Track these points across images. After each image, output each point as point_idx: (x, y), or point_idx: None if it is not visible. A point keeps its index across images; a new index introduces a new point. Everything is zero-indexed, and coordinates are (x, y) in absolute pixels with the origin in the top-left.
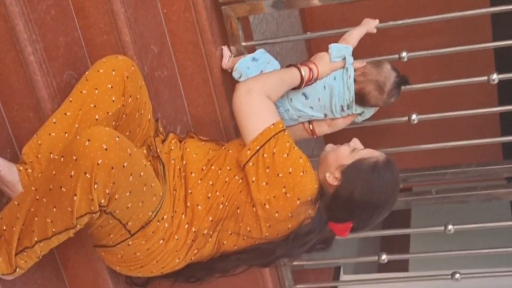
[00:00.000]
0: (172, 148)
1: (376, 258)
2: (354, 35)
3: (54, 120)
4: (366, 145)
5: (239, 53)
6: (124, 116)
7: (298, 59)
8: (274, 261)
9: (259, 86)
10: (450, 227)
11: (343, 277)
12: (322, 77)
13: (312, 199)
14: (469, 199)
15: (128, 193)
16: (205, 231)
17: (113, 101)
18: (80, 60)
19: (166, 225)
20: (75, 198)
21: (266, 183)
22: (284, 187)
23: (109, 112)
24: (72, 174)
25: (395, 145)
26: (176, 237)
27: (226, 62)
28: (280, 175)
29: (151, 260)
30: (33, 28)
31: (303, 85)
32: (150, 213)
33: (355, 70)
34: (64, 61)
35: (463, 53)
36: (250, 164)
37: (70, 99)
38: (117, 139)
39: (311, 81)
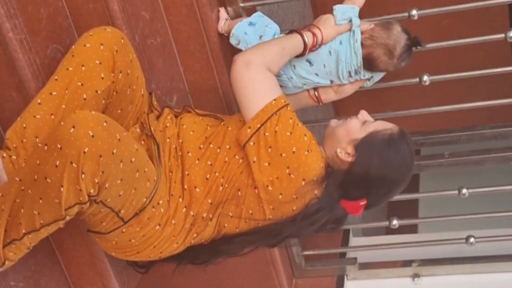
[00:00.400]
0: (168, 125)
1: (387, 223)
2: None
3: (39, 101)
4: (374, 108)
5: (237, 15)
6: (114, 93)
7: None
8: (282, 241)
9: (259, 58)
10: (464, 191)
11: (352, 240)
12: (327, 42)
13: (318, 179)
14: (485, 162)
15: (119, 181)
16: (204, 214)
17: (102, 78)
18: (66, 32)
19: (162, 210)
20: (62, 189)
21: (269, 164)
22: (288, 167)
23: (98, 90)
24: (57, 164)
25: (406, 107)
26: (173, 222)
27: (222, 26)
28: (283, 154)
29: (148, 246)
30: (10, 1)
31: (307, 52)
32: (144, 199)
33: (362, 33)
34: (47, 34)
35: (477, 9)
36: (251, 143)
37: (56, 77)
38: (104, 124)
39: (315, 47)
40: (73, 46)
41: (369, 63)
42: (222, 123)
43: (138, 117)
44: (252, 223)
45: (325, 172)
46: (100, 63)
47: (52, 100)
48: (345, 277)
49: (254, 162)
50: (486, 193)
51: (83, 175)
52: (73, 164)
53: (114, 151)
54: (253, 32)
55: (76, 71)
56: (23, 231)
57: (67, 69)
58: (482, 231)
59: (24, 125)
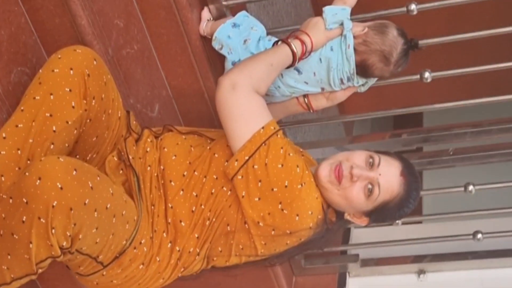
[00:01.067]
0: (148, 149)
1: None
2: None
3: (4, 135)
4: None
5: (220, 15)
6: (88, 121)
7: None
8: (274, 265)
9: (245, 79)
10: (471, 187)
11: (354, 232)
12: (317, 49)
13: (314, 213)
14: (493, 159)
15: (94, 230)
16: (191, 249)
17: (73, 107)
18: (31, 50)
19: (145, 249)
20: (31, 245)
21: (259, 199)
22: (280, 202)
23: (69, 121)
24: (24, 219)
25: (408, 104)
26: (158, 259)
27: (204, 28)
28: (275, 189)
29: (132, 285)
30: None
31: (296, 63)
32: (124, 242)
33: (355, 37)
34: (10, 57)
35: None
36: (239, 177)
37: (22, 108)
38: (74, 173)
39: (304, 55)
40: (40, 71)
41: (363, 70)
42: (208, 147)
43: (116, 142)
44: (243, 258)
45: (321, 205)
46: (70, 90)
47: (18, 134)
48: (347, 274)
49: (243, 197)
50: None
51: (53, 230)
52: (41, 220)
53: (87, 202)
54: (237, 35)
55: (44, 101)
56: None
57: (34, 98)
58: (489, 221)
59: None
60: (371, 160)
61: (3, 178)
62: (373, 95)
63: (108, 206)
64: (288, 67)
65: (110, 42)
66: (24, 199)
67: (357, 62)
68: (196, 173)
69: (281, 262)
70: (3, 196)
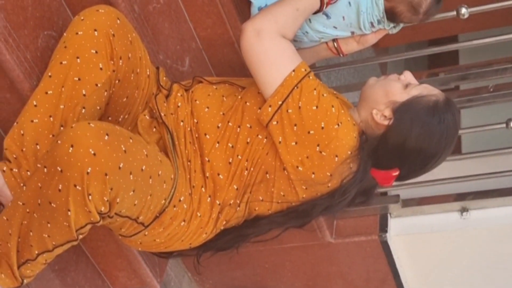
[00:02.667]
0: (179, 104)
1: None
2: None
3: (35, 103)
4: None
5: None
6: (117, 82)
7: None
8: (310, 221)
9: (270, 24)
10: None
11: None
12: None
13: (353, 152)
14: None
15: (131, 193)
16: (232, 201)
17: (101, 69)
18: (56, 13)
19: (185, 206)
20: (69, 213)
21: (296, 143)
22: (318, 145)
23: (98, 83)
24: (60, 188)
25: (442, 35)
26: (199, 214)
27: None
28: (311, 132)
29: (175, 242)
30: None
31: (324, 7)
32: (163, 201)
33: None
34: (35, 22)
35: None
36: (274, 122)
37: (50, 74)
38: (106, 138)
39: (332, 0)
40: (64, 34)
41: (391, 17)
42: (239, 97)
43: (147, 100)
44: (286, 204)
45: (359, 142)
46: (96, 52)
47: (48, 100)
48: (389, 215)
49: (280, 142)
50: None
51: (90, 197)
52: (77, 187)
53: (121, 165)
54: None
55: (71, 65)
56: (36, 252)
57: (61, 62)
58: None
59: (22, 132)
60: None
61: (38, 147)
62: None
63: (143, 168)
64: (316, 12)
65: None
66: (58, 168)
67: (386, 8)
68: (230, 123)
69: (311, 221)
70: (38, 165)
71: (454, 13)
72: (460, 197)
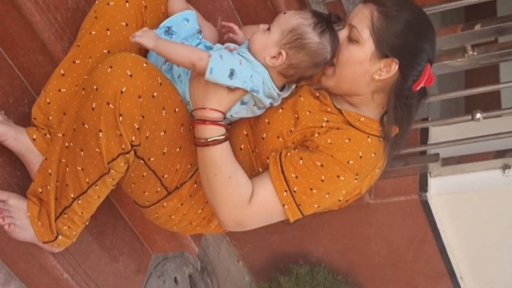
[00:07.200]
0: None
1: (469, 117)
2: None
3: (62, 72)
4: None
5: None
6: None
7: None
8: None
9: (235, 211)
10: None
11: (432, 131)
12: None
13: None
14: None
15: (162, 133)
16: None
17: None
18: None
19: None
20: (100, 134)
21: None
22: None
23: None
24: (93, 106)
25: None
26: None
27: None
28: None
29: (188, 226)
30: None
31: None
32: (189, 166)
33: (274, 66)
34: None
35: None
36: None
37: (78, 44)
38: (144, 65)
39: (225, 128)
40: (96, 2)
41: (301, 80)
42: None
43: None
44: None
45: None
46: (126, 24)
47: (76, 70)
48: (428, 174)
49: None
50: None
51: (121, 118)
52: (110, 105)
53: (155, 94)
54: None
55: (100, 36)
56: (72, 195)
57: (90, 33)
58: None
59: (48, 100)
60: None
61: (64, 115)
62: None
63: (176, 110)
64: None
65: None
66: (94, 86)
67: (292, 82)
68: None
69: None
70: (76, 88)
71: None
72: (501, 154)
